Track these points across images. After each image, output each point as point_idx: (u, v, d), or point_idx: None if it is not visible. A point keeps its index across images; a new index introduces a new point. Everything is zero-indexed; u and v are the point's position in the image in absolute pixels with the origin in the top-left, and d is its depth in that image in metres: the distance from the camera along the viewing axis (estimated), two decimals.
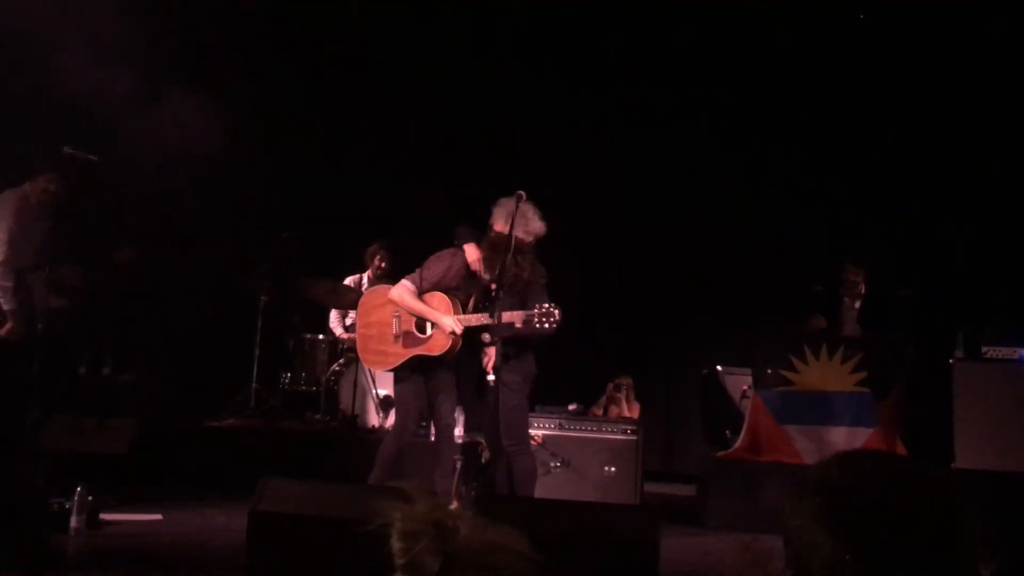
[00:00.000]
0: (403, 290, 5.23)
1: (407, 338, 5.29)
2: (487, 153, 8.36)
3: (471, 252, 5.22)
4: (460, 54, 8.76)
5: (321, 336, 7.85)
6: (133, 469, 6.28)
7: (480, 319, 5.09)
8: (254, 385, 7.54)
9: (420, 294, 5.22)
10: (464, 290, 5.28)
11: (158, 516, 5.43)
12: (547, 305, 4.86)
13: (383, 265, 7.74)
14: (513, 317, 4.89)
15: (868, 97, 8.11)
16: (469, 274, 5.25)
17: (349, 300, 7.55)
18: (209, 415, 7.42)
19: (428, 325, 5.26)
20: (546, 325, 4.86)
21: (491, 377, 5.16)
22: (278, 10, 8.35)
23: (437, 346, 5.21)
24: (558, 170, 7.95)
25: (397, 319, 5.31)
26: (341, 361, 7.60)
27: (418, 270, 5.28)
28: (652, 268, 8.50)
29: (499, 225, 5.07)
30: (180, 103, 7.41)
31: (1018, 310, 7.00)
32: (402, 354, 5.29)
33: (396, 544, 1.20)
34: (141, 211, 7.88)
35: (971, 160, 7.78)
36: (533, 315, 4.85)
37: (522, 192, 4.92)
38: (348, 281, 7.75)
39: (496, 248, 4.99)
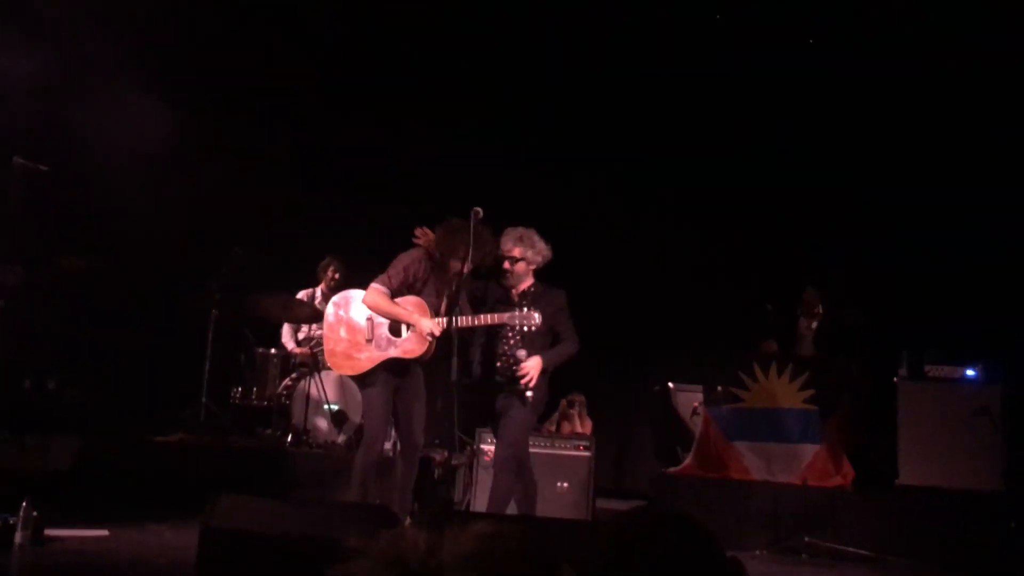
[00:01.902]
0: (376, 294, 5.12)
1: (380, 341, 5.18)
2: (442, 170, 8.39)
3: (425, 236, 5.21)
4: (414, 68, 8.78)
5: (273, 351, 7.78)
6: (79, 485, 6.17)
7: (464, 321, 5.06)
8: (204, 400, 7.44)
9: (392, 296, 5.13)
10: (433, 284, 5.20)
11: (104, 532, 5.32)
12: (526, 309, 5.04)
13: (336, 277, 7.74)
14: (495, 319, 5.05)
15: (820, 125, 8.29)
16: (435, 266, 5.20)
17: (302, 314, 7.51)
18: (158, 430, 7.30)
19: (403, 328, 5.16)
20: (526, 328, 5.05)
21: (529, 393, 5.20)
22: (233, 22, 8.30)
23: (413, 349, 5.12)
24: (512, 188, 8.00)
25: (369, 322, 5.21)
26: (293, 376, 7.55)
27: (384, 273, 5.19)
28: (605, 286, 8.57)
29: (517, 251, 5.29)
30: (133, 112, 7.35)
31: (959, 331, 7.20)
32: (375, 358, 5.17)
33: None
34: (90, 222, 7.77)
35: (917, 185, 7.98)
36: (515, 317, 5.02)
37: (478, 209, 4.98)
38: (301, 295, 7.71)
39: (454, 231, 5.05)
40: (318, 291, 7.84)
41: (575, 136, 8.76)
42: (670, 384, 7.94)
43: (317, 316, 7.58)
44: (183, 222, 8.19)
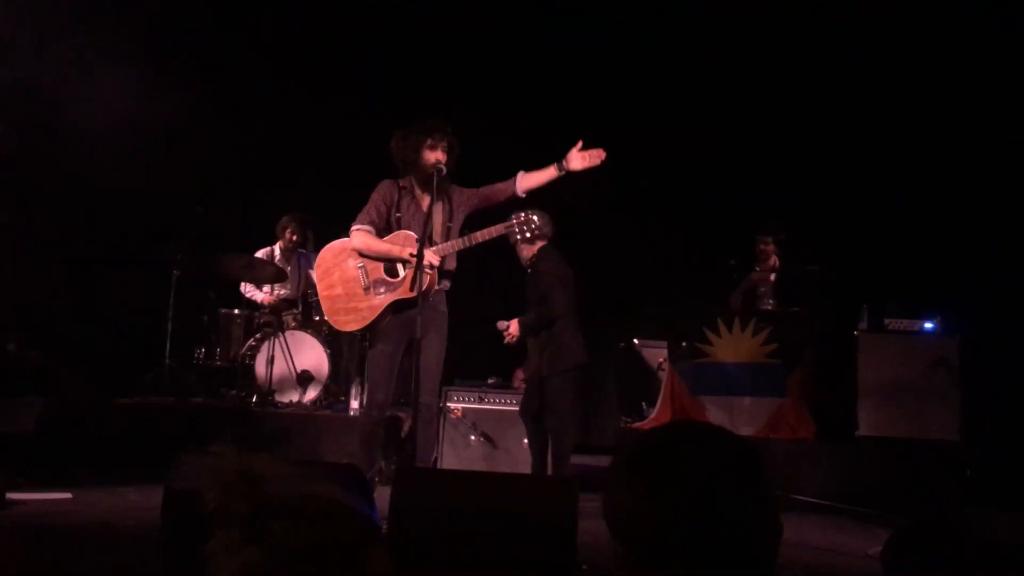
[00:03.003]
0: (362, 235, 4.88)
1: (379, 286, 4.90)
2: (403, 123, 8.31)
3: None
4: (370, 24, 8.67)
5: (237, 311, 7.72)
6: (41, 448, 6.11)
7: (455, 245, 4.86)
8: (167, 361, 7.40)
9: (379, 234, 4.91)
10: (412, 210, 4.98)
11: (68, 495, 5.29)
12: (523, 213, 4.91)
13: (294, 238, 7.73)
14: (490, 233, 4.84)
15: (780, 77, 8.29)
16: (405, 190, 5.00)
17: (264, 273, 7.46)
18: (121, 392, 7.25)
19: (399, 267, 4.89)
20: (527, 233, 4.95)
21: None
22: None
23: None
24: (474, 141, 7.93)
25: (363, 270, 4.92)
26: (257, 336, 7.50)
27: (362, 212, 4.97)
28: (571, 243, 8.57)
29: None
30: (95, 71, 7.21)
31: (918, 285, 7.31)
32: (378, 305, 4.88)
33: (207, 493, 1.20)
34: (50, 183, 7.64)
35: (875, 140, 8.03)
36: (512, 225, 4.88)
37: (441, 167, 4.91)
38: (260, 254, 7.66)
39: (403, 134, 5.01)
40: (276, 249, 7.80)
41: (533, 89, 8.70)
42: (635, 340, 7.99)
43: (280, 275, 7.55)
44: (145, 181, 8.06)
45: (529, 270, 5.81)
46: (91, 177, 7.70)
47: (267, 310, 7.59)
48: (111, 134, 7.66)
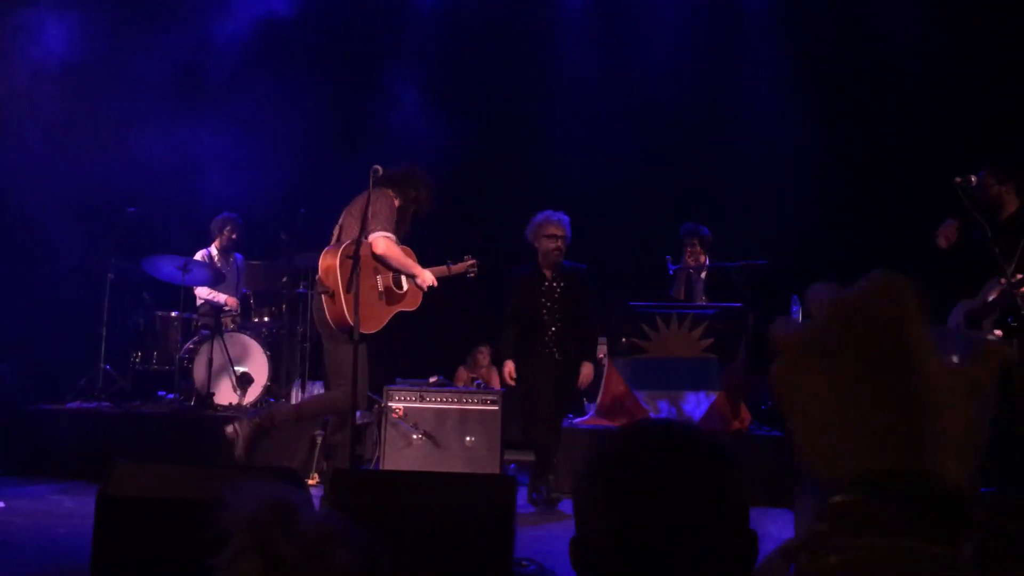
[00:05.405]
0: (392, 243, 4.92)
1: (389, 295, 5.02)
2: (338, 122, 8.30)
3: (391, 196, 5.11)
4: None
5: (174, 313, 7.61)
6: None
7: (440, 271, 5.23)
8: (102, 365, 7.27)
9: None
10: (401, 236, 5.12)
11: (0, 504, 5.20)
12: (468, 257, 5.52)
13: (233, 236, 7.66)
14: (460, 267, 5.39)
15: (712, 70, 8.45)
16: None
17: (201, 276, 7.38)
18: (54, 397, 7.12)
19: (403, 280, 5.05)
20: (471, 274, 5.54)
21: None
22: None
23: (413, 301, 5.09)
24: (412, 140, 7.96)
25: (380, 276, 5.02)
26: (195, 339, 7.41)
27: (375, 219, 4.91)
28: (511, 239, 8.62)
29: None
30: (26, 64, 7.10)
31: (847, 277, 7.46)
32: (388, 313, 5.02)
33: (238, 533, 1.18)
34: None
35: (803, 137, 8.21)
36: (467, 266, 5.47)
37: (377, 167, 4.94)
38: (198, 256, 7.57)
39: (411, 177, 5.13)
40: (212, 250, 7.71)
41: (470, 79, 8.75)
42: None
43: (219, 277, 7.47)
44: (78, 183, 7.92)
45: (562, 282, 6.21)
46: (23, 177, 7.55)
47: (203, 311, 7.52)
48: (42, 134, 7.51)
